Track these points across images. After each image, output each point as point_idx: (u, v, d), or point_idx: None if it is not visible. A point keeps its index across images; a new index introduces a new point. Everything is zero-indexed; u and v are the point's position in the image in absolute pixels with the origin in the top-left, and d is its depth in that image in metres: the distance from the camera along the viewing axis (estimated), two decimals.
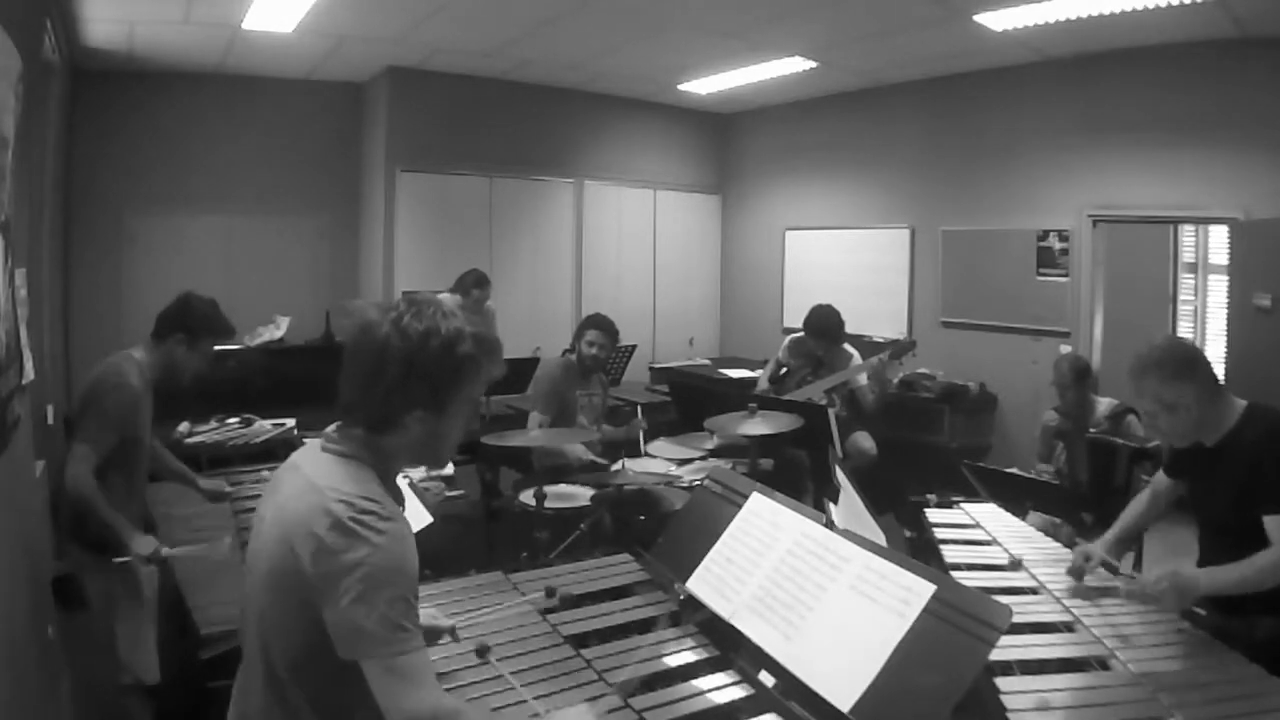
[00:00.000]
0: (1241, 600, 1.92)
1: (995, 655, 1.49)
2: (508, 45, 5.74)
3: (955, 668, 1.36)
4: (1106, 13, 4.49)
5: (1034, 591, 2.13)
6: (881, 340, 6.03)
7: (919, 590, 1.49)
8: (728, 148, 8.20)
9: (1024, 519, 2.84)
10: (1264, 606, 1.92)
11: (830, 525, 1.80)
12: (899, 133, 6.64)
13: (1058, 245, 5.66)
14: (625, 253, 7.62)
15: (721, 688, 1.65)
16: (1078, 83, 5.51)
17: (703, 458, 3.93)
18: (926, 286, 6.50)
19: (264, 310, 6.28)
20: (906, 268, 6.61)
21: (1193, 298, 6.19)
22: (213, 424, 4.33)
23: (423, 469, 3.70)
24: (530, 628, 1.87)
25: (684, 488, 3.40)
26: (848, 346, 4.64)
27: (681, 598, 1.94)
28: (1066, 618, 1.97)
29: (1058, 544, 2.48)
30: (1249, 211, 4.75)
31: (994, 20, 4.76)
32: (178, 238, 6.18)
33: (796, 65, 6.01)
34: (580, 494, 3.39)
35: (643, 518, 3.15)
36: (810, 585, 1.69)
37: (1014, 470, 3.93)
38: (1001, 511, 2.73)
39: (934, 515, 2.64)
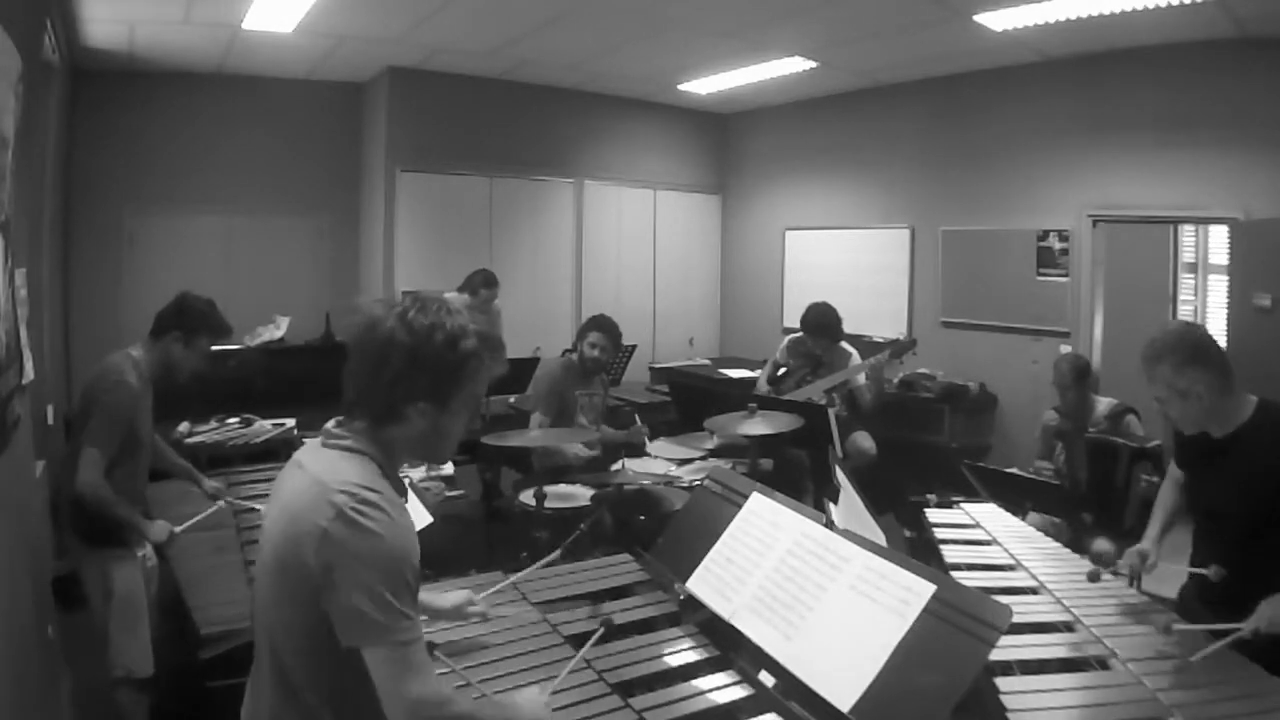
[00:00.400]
0: (1242, 600, 1.92)
1: (995, 655, 1.50)
2: (508, 45, 5.74)
3: (955, 668, 1.36)
4: (1106, 13, 4.49)
5: (1034, 591, 2.13)
6: (881, 340, 6.03)
7: (919, 590, 1.49)
8: (728, 148, 8.20)
9: (1024, 519, 2.84)
10: None
11: (830, 525, 1.80)
12: (899, 133, 6.64)
13: (1058, 245, 5.66)
14: (625, 253, 7.62)
15: (721, 688, 1.65)
16: (1078, 83, 5.51)
17: (703, 458, 3.94)
18: (926, 286, 6.50)
19: (264, 310, 6.28)
20: (906, 268, 6.61)
21: (1193, 298, 6.19)
22: (213, 424, 4.33)
23: (423, 469, 3.72)
24: (531, 627, 1.87)
25: (684, 488, 3.40)
26: (847, 345, 4.63)
27: (681, 598, 1.95)
28: (1066, 618, 1.97)
29: (1058, 544, 2.48)
30: (1249, 211, 4.74)
31: (994, 20, 4.76)
32: (178, 238, 6.18)
33: (796, 65, 6.00)
34: (580, 494, 3.39)
35: (643, 518, 3.15)
36: (810, 585, 1.69)
37: (1014, 470, 3.92)
38: (1001, 511, 2.73)
39: (934, 515, 2.64)
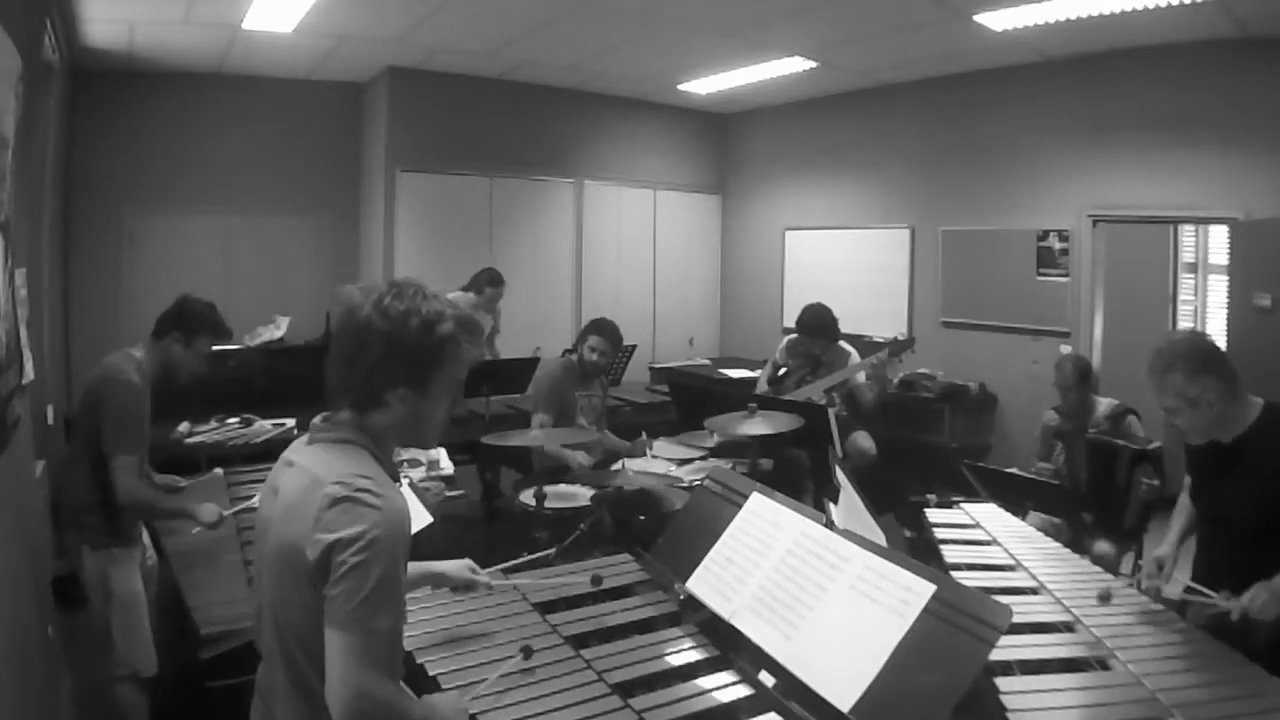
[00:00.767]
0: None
1: (995, 655, 1.50)
2: (508, 45, 5.74)
3: (955, 668, 1.36)
4: (1107, 13, 4.49)
5: (1034, 591, 2.13)
6: (881, 340, 6.03)
7: (919, 590, 1.49)
8: (728, 148, 8.20)
9: (1024, 519, 2.85)
10: None
11: (830, 525, 1.80)
12: (899, 133, 6.64)
13: (1058, 245, 5.66)
14: (625, 253, 7.62)
15: (721, 688, 1.65)
16: (1078, 83, 5.51)
17: (703, 458, 3.94)
18: (926, 286, 6.50)
19: (264, 310, 6.27)
20: (906, 268, 6.61)
21: (1193, 298, 6.19)
22: (213, 424, 4.33)
23: (423, 469, 3.72)
24: (531, 628, 1.87)
25: (684, 488, 3.40)
26: (846, 345, 4.64)
27: (681, 598, 1.95)
28: (1066, 618, 1.97)
29: (1058, 544, 2.48)
30: (1249, 211, 4.74)
31: (994, 20, 4.76)
32: (178, 238, 6.18)
33: (796, 65, 6.00)
34: (580, 494, 3.39)
35: (643, 518, 3.15)
36: (810, 585, 1.69)
37: (1014, 470, 3.93)
38: (1001, 511, 2.73)
39: (934, 515, 2.64)
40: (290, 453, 1.42)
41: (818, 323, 4.53)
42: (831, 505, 1.94)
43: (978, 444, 5.81)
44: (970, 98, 6.13)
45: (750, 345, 7.65)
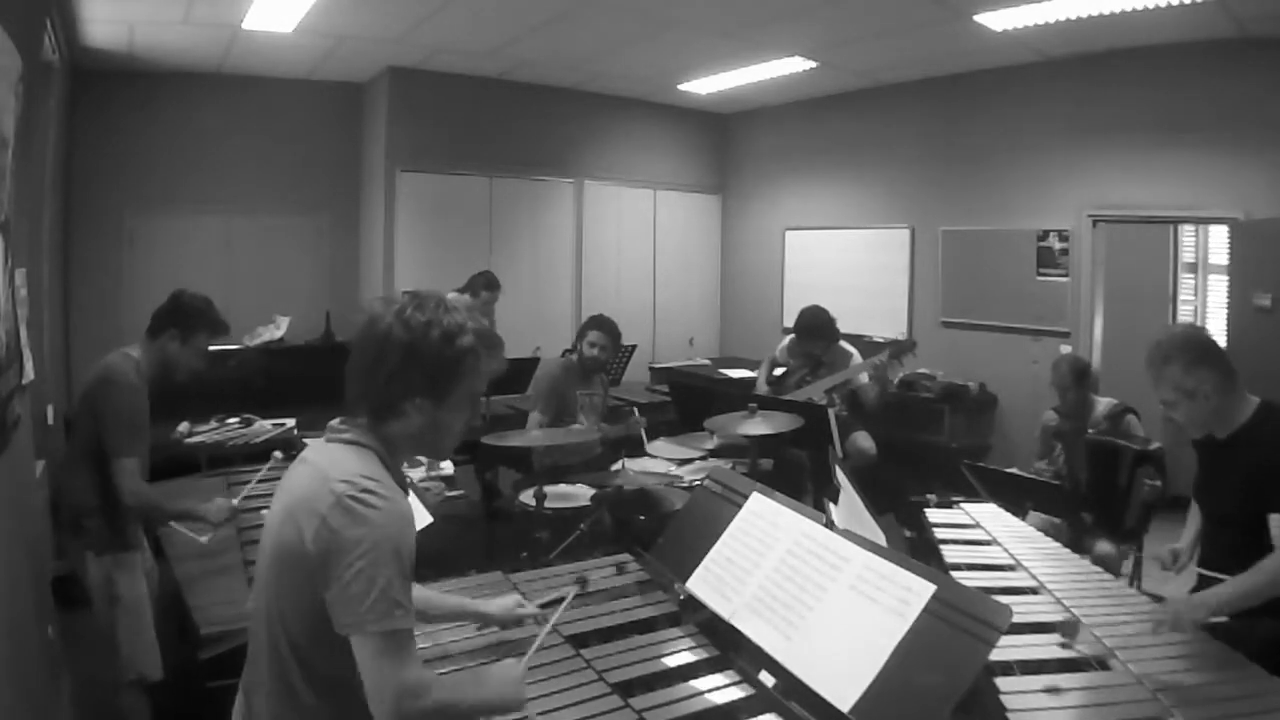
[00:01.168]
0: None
1: (995, 655, 1.50)
2: (508, 45, 5.74)
3: (955, 668, 1.36)
4: (1106, 13, 4.49)
5: (1034, 591, 2.13)
6: (881, 340, 6.03)
7: (919, 590, 1.49)
8: (728, 148, 8.20)
9: (1024, 519, 2.84)
10: (1264, 607, 1.91)
11: (830, 525, 1.80)
12: (899, 133, 6.64)
13: (1058, 245, 5.66)
14: (625, 253, 7.62)
15: (721, 688, 1.65)
16: (1078, 83, 5.51)
17: (703, 458, 3.93)
18: (926, 286, 6.50)
19: (264, 310, 6.28)
20: (906, 268, 6.61)
21: (1193, 298, 6.18)
22: (213, 424, 4.33)
23: (423, 469, 3.72)
24: (531, 628, 1.86)
25: (684, 488, 3.40)
26: (847, 345, 4.64)
27: (681, 598, 1.94)
28: (1066, 618, 1.97)
29: (1058, 544, 2.48)
30: (1249, 211, 4.74)
31: (994, 20, 4.76)
32: (178, 238, 6.18)
33: (796, 65, 6.00)
34: (580, 494, 3.39)
35: (643, 518, 3.15)
36: (810, 585, 1.68)
37: (1014, 470, 3.93)
38: (1001, 511, 2.73)
39: (934, 515, 2.64)
40: (308, 451, 1.43)
41: (815, 325, 4.54)
42: (831, 505, 1.93)
43: (978, 444, 5.81)
44: (970, 98, 6.13)
45: (750, 345, 7.65)
